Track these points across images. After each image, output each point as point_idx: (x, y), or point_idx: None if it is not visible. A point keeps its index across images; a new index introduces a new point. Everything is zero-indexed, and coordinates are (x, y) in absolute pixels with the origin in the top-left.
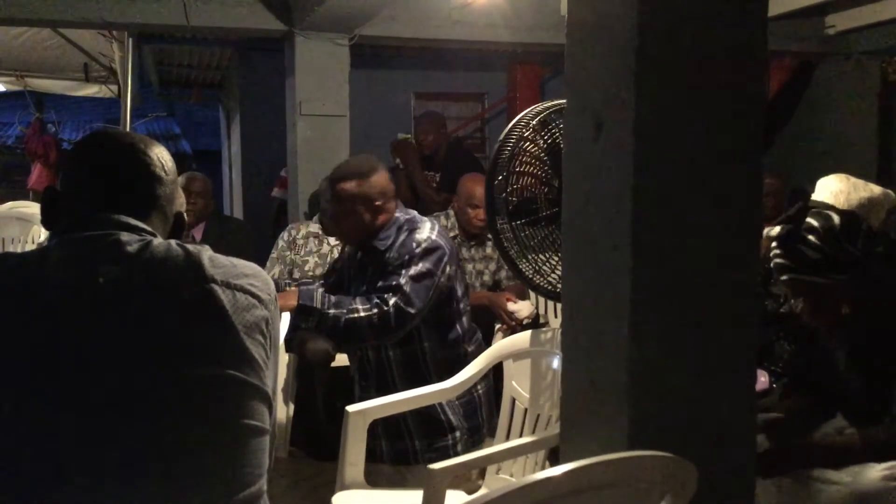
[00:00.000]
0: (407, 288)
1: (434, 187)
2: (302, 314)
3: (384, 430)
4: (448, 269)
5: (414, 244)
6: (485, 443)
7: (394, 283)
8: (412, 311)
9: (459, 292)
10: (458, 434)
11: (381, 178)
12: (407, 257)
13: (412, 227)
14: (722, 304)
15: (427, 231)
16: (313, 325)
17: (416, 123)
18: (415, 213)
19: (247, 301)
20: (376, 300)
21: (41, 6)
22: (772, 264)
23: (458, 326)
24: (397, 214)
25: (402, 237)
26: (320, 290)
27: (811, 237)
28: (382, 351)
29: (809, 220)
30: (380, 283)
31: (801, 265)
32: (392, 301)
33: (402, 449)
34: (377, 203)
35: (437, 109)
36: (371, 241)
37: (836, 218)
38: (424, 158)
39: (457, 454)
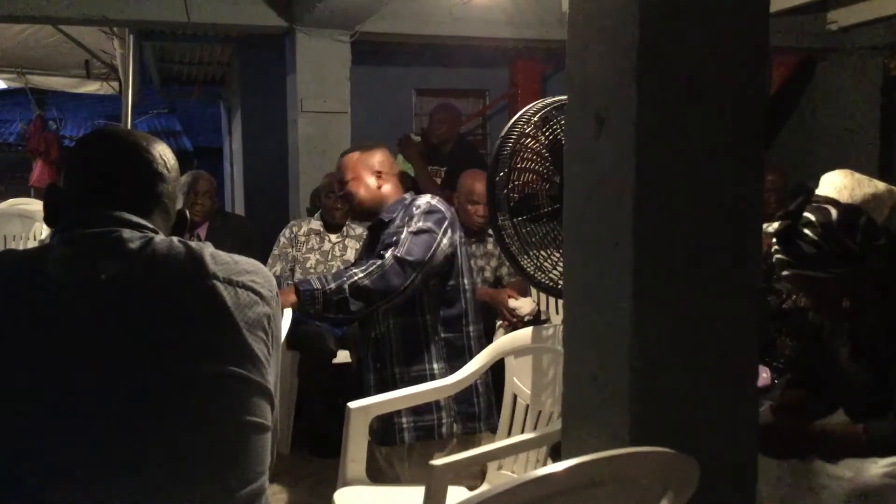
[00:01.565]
0: (406, 241)
1: (438, 183)
2: (306, 301)
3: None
4: (449, 233)
5: (414, 208)
6: (482, 436)
7: (394, 239)
8: (411, 258)
9: (463, 267)
10: (443, 414)
11: (382, 154)
12: (407, 218)
13: (414, 199)
14: (724, 300)
15: (427, 198)
16: (320, 307)
17: (433, 111)
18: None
19: (249, 298)
20: (373, 259)
21: (42, 3)
22: (773, 260)
23: (460, 303)
24: (405, 195)
25: (405, 209)
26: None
27: (808, 232)
28: (384, 320)
29: (807, 214)
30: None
31: (800, 260)
32: (389, 254)
33: (388, 427)
34: (378, 170)
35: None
36: (378, 215)
37: (833, 212)
38: (432, 148)
39: (441, 436)
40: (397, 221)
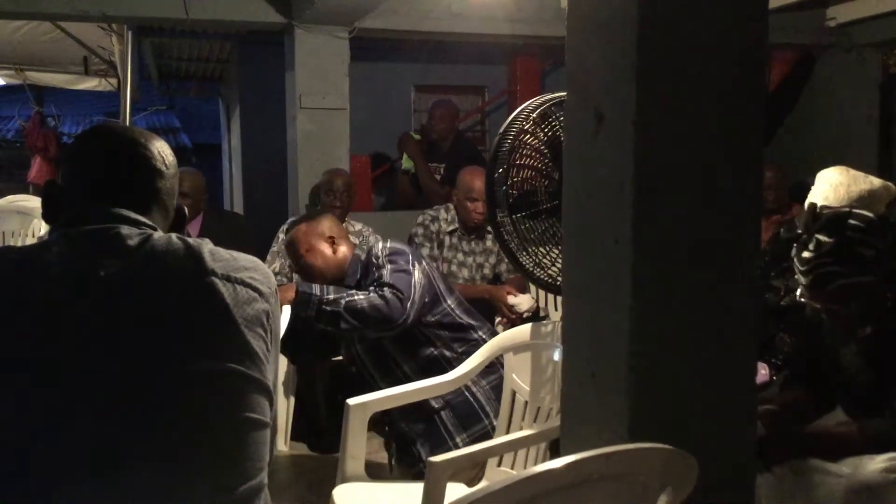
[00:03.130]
0: (391, 280)
1: (438, 180)
2: (301, 303)
3: (424, 439)
4: (418, 265)
5: (374, 258)
6: None
7: (378, 281)
8: (402, 296)
9: (442, 288)
10: (492, 416)
11: (329, 219)
12: (375, 268)
13: (368, 250)
14: (722, 297)
15: (381, 242)
16: (313, 311)
17: (432, 108)
18: (372, 243)
19: (247, 294)
20: (370, 292)
21: (41, 0)
22: (812, 277)
23: (457, 319)
24: (356, 251)
25: (366, 263)
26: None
27: (861, 236)
28: (395, 370)
29: (853, 221)
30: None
31: (857, 268)
32: (385, 289)
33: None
34: (330, 236)
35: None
36: (343, 281)
37: (866, 212)
38: (431, 145)
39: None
40: (369, 278)
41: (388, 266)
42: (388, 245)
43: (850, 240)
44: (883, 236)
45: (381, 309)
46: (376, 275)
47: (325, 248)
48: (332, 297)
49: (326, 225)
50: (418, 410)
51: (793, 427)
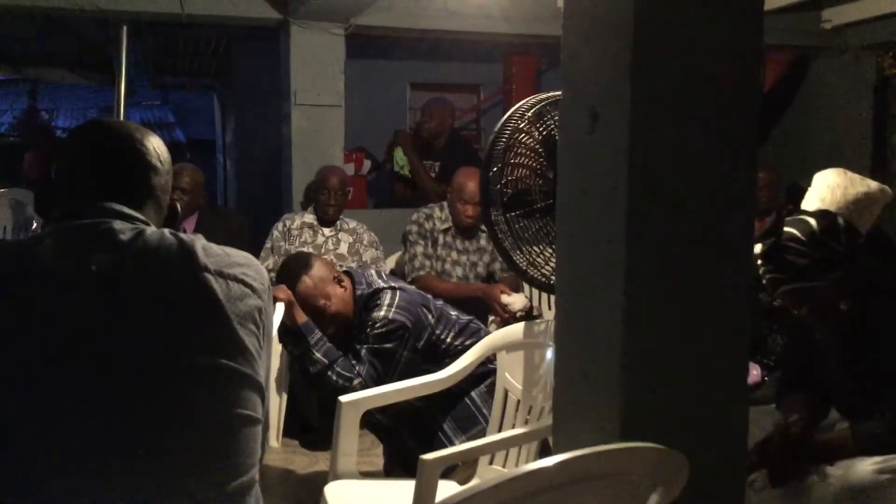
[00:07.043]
0: (366, 371)
1: (433, 177)
2: (294, 338)
3: (417, 441)
4: (410, 341)
5: (370, 322)
6: None
7: (360, 353)
8: (372, 383)
9: (449, 336)
10: (489, 418)
11: (320, 261)
12: (364, 338)
13: (373, 304)
14: (715, 296)
15: (384, 309)
16: (297, 353)
17: (425, 105)
18: (372, 277)
19: (240, 290)
20: (348, 374)
21: None
22: (764, 281)
23: (457, 342)
24: (358, 292)
25: (364, 314)
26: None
27: (794, 245)
28: (422, 401)
29: (787, 229)
30: (351, 359)
31: (794, 273)
32: (356, 381)
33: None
34: (334, 276)
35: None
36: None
37: (812, 221)
38: (424, 143)
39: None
40: (362, 327)
41: (375, 347)
42: (389, 317)
43: (781, 248)
44: (821, 246)
45: (338, 391)
46: (363, 338)
47: (337, 289)
48: (316, 356)
49: (322, 266)
50: (416, 418)
51: (793, 442)
